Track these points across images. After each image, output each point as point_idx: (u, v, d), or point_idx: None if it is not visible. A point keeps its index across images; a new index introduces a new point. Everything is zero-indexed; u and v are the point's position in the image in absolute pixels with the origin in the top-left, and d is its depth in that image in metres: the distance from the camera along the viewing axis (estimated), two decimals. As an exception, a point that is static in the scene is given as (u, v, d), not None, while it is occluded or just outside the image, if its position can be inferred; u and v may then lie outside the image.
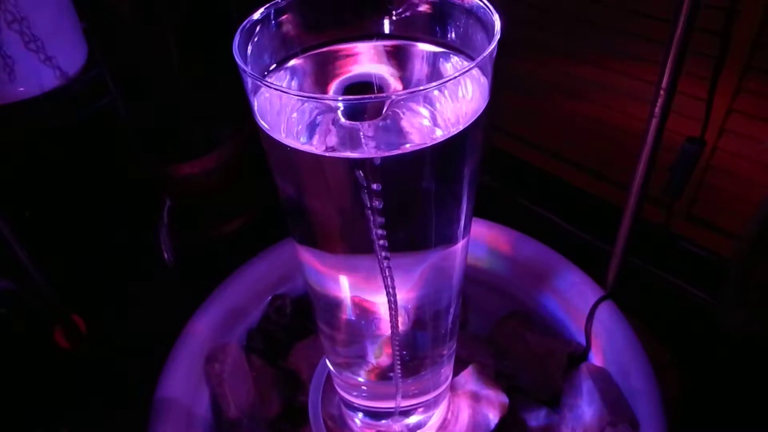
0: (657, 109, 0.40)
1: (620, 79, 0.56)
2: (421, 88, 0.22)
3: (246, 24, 0.26)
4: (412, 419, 0.40)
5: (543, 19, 0.60)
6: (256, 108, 0.25)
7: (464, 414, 0.43)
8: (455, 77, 0.23)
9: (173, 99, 0.61)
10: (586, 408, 0.42)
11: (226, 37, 0.25)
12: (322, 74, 0.28)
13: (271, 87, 0.23)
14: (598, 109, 0.60)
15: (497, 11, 0.25)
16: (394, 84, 0.27)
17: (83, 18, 0.45)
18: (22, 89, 0.41)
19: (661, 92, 0.39)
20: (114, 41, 0.53)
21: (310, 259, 0.31)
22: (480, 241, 0.52)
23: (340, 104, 0.24)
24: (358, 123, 0.23)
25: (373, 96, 0.23)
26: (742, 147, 0.51)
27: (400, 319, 0.31)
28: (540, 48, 0.61)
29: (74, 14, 0.44)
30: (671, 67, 0.38)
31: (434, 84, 0.22)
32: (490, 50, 0.23)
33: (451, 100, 0.24)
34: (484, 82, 0.25)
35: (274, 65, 0.28)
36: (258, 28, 0.26)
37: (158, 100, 0.61)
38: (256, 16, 0.27)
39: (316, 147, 0.24)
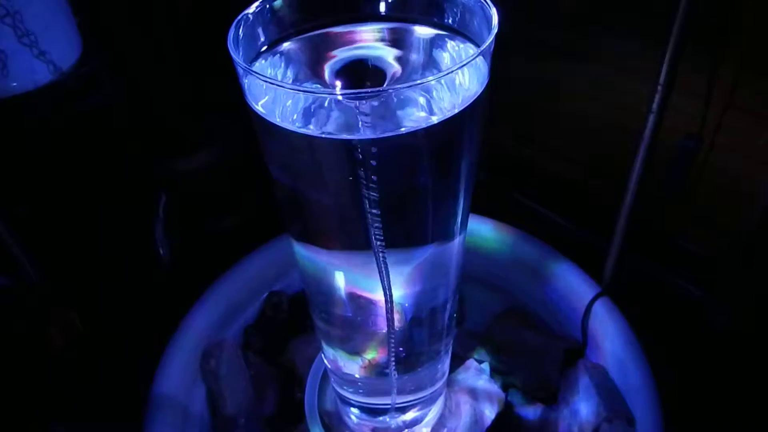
0: (654, 106, 0.40)
1: (618, 75, 0.56)
2: (419, 81, 0.23)
3: (241, 18, 0.26)
4: (409, 415, 0.40)
5: (539, 14, 0.60)
6: (249, 95, 0.25)
7: (461, 410, 0.43)
8: (453, 70, 0.23)
9: (169, 93, 0.61)
10: (582, 404, 0.42)
11: (222, 29, 0.25)
12: (317, 55, 0.28)
13: (267, 81, 0.23)
14: (596, 106, 0.60)
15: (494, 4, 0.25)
16: (391, 64, 0.27)
17: (77, 11, 0.45)
18: (15, 84, 0.41)
19: (659, 88, 0.39)
20: (108, 34, 0.53)
21: (306, 254, 0.31)
22: (477, 237, 0.52)
23: (339, 96, 0.24)
24: (354, 101, 0.23)
25: (369, 90, 0.23)
26: (740, 143, 0.51)
27: (396, 316, 0.31)
28: (537, 44, 0.61)
29: (68, 8, 0.44)
30: (669, 63, 0.38)
31: (432, 78, 0.22)
32: (488, 43, 0.23)
33: (449, 85, 0.24)
34: (483, 66, 0.25)
35: (267, 47, 0.28)
36: (252, 15, 0.26)
37: (154, 94, 0.60)
38: (251, 10, 0.26)
39: (312, 130, 0.24)
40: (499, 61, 0.26)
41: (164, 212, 0.58)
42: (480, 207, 0.48)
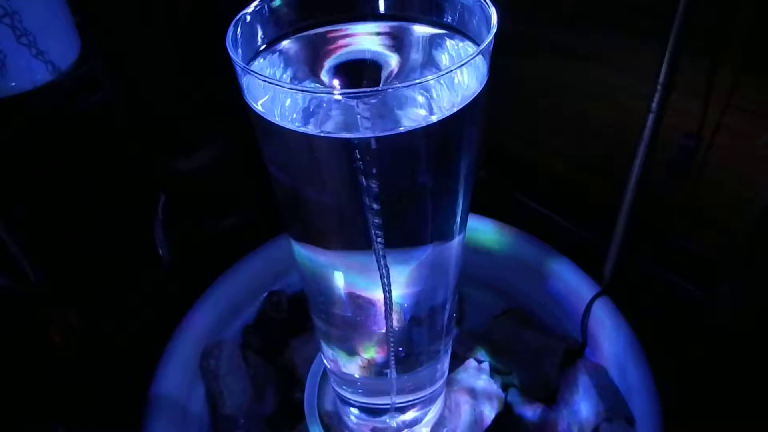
0: (654, 105, 0.40)
1: (618, 75, 0.56)
2: (418, 81, 0.22)
3: (240, 17, 0.26)
4: (408, 415, 0.40)
5: (539, 14, 0.60)
6: (248, 95, 0.25)
7: (461, 410, 0.43)
8: (453, 69, 0.23)
9: (169, 93, 0.61)
10: (582, 404, 0.42)
11: (221, 29, 0.25)
12: (315, 54, 0.28)
13: (265, 80, 0.23)
14: (596, 106, 0.60)
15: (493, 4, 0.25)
16: (390, 62, 0.27)
17: (75, 11, 0.45)
18: (13, 84, 0.41)
19: (659, 88, 0.39)
20: (108, 34, 0.53)
21: (306, 254, 0.31)
22: (476, 236, 0.52)
23: (337, 95, 0.24)
24: (353, 100, 0.23)
25: (368, 89, 0.23)
26: (740, 143, 0.51)
27: (395, 315, 0.31)
28: (538, 44, 0.61)
29: (66, 7, 0.44)
30: (669, 63, 0.38)
31: (431, 77, 0.22)
32: (487, 42, 0.23)
33: (448, 84, 0.24)
34: (482, 65, 0.25)
35: (266, 46, 0.28)
36: (251, 14, 0.26)
37: (154, 94, 0.60)
38: (250, 9, 0.26)
39: (311, 129, 0.24)
40: (499, 60, 0.26)
41: (164, 212, 0.58)
42: (480, 207, 0.48)
